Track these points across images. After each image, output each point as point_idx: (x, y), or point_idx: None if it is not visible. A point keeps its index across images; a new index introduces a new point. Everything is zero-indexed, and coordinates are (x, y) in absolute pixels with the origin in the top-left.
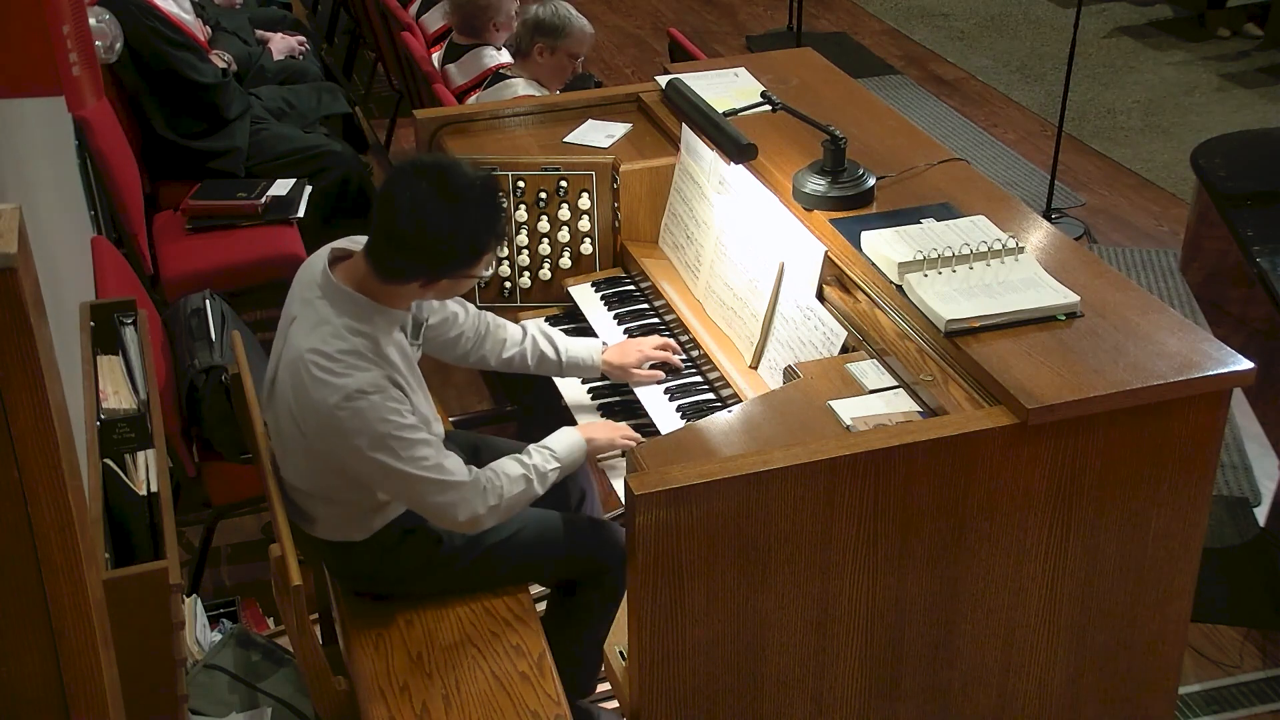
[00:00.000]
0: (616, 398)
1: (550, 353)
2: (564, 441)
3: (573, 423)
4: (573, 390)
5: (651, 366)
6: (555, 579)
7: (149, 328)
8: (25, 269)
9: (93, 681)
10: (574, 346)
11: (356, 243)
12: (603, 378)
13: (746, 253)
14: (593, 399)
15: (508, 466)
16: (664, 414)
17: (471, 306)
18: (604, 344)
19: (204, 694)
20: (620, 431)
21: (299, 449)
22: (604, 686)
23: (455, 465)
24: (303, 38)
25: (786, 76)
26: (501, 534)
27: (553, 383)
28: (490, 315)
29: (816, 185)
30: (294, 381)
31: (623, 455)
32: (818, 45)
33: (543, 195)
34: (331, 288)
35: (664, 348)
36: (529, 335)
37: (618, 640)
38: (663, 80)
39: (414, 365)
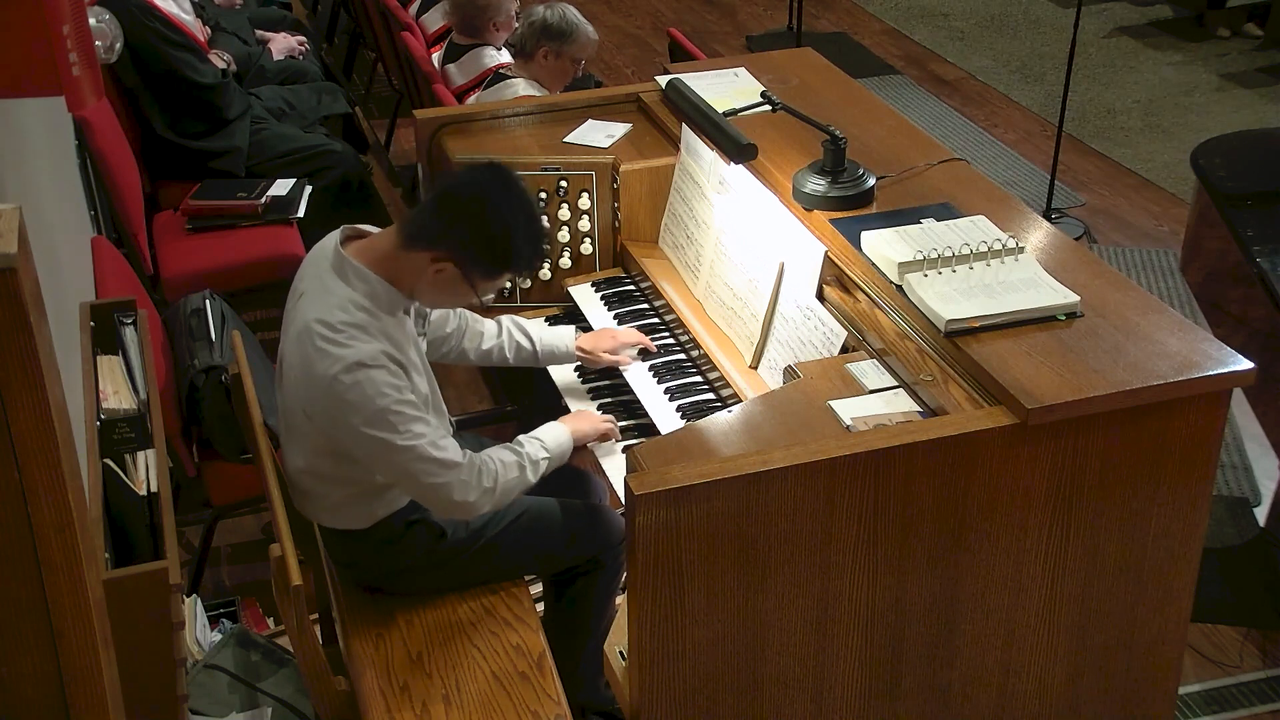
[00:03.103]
0: (615, 397)
1: (525, 342)
2: (551, 433)
3: None
4: (572, 389)
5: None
6: (557, 567)
7: (149, 328)
8: (25, 269)
9: (93, 681)
10: (548, 335)
11: (371, 229)
12: (583, 366)
13: (746, 253)
14: (592, 399)
15: (501, 454)
16: (664, 414)
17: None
18: (578, 331)
19: (204, 694)
20: (599, 419)
21: (305, 429)
22: None
23: (451, 446)
24: (303, 38)
25: (786, 76)
26: (501, 523)
27: (551, 382)
28: (467, 311)
29: (816, 185)
30: (300, 354)
31: (622, 452)
32: (818, 45)
33: (543, 195)
34: (341, 262)
35: (638, 343)
36: (504, 328)
37: (618, 640)
38: (663, 80)
39: (420, 351)
